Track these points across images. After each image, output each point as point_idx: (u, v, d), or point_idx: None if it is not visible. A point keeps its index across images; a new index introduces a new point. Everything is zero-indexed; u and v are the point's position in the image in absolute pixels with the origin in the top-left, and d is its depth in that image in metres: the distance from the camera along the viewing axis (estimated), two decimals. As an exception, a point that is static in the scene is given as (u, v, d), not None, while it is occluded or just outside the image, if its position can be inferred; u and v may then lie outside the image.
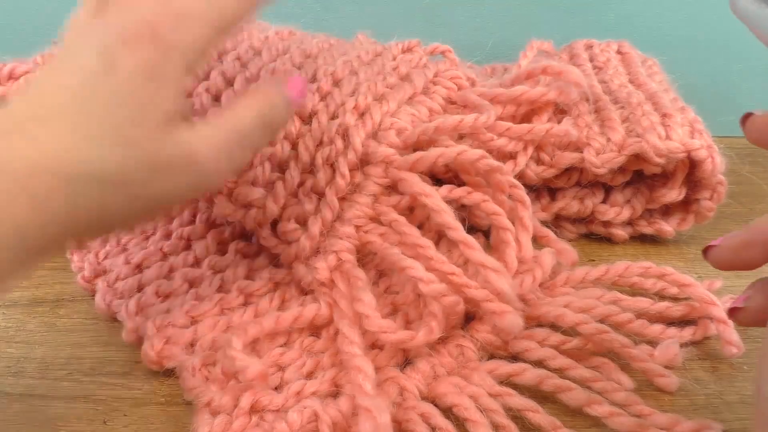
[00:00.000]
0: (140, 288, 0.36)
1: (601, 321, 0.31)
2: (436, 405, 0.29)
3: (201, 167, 0.25)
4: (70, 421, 0.30)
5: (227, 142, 0.26)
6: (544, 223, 0.41)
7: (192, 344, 0.32)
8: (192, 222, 0.40)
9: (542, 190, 0.42)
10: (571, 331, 0.31)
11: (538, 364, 0.30)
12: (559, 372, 0.30)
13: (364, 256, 0.35)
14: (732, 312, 0.24)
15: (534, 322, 0.32)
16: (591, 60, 0.52)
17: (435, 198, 0.33)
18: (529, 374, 0.29)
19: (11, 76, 0.40)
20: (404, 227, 0.33)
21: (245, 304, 0.35)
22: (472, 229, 0.40)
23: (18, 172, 0.22)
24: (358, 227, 0.34)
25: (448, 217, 0.32)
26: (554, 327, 0.32)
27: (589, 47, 0.54)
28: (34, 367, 0.33)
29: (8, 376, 0.32)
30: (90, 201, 0.23)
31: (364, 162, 0.35)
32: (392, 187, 0.35)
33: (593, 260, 0.41)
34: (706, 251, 0.24)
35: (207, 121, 0.27)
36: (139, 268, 0.37)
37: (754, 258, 0.23)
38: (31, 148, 0.22)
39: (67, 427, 0.30)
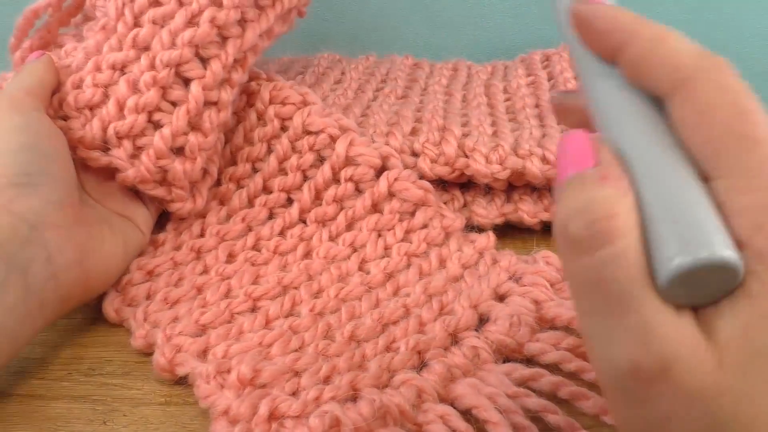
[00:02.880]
0: (149, 296, 0.36)
1: None
2: (454, 407, 0.28)
3: None
4: (70, 421, 0.30)
5: None
6: (545, 223, 0.41)
7: (204, 352, 0.32)
8: (202, 235, 0.40)
9: (544, 191, 0.42)
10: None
11: (553, 366, 0.30)
12: (575, 375, 0.29)
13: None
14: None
15: (547, 324, 0.32)
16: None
17: None
18: (546, 380, 0.29)
19: None
20: None
21: (253, 309, 0.35)
22: (473, 228, 0.41)
23: None
24: None
25: None
26: (568, 330, 0.32)
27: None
28: (34, 367, 0.33)
29: (8, 376, 0.32)
30: None
31: None
32: None
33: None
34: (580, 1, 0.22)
35: None
36: (150, 275, 0.38)
37: (592, 41, 0.21)
38: None
39: (67, 427, 0.30)
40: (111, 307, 0.35)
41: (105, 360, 0.33)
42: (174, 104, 0.38)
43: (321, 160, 0.41)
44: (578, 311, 0.19)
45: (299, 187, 0.41)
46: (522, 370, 0.30)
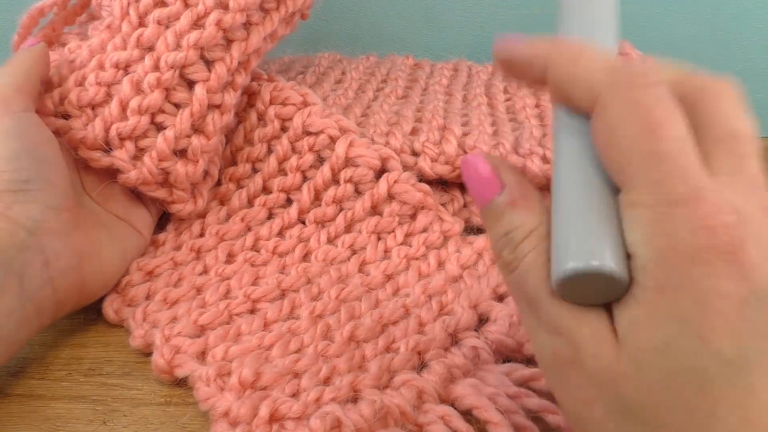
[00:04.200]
0: (149, 296, 0.36)
1: None
2: (454, 407, 0.28)
3: None
4: (70, 421, 0.30)
5: None
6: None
7: (203, 353, 0.32)
8: (201, 235, 0.40)
9: (545, 190, 0.42)
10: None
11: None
12: None
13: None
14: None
15: None
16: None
17: None
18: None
19: None
20: None
21: (252, 310, 0.35)
22: (473, 229, 0.41)
23: None
24: None
25: None
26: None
27: (590, 47, 0.54)
28: (34, 367, 0.33)
29: (8, 376, 0.32)
30: None
31: None
32: None
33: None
34: (498, 42, 0.23)
35: None
36: (150, 275, 0.38)
37: (519, 76, 0.23)
38: None
39: (67, 427, 0.30)
40: (111, 307, 0.36)
41: (105, 360, 0.33)
42: (177, 106, 0.38)
43: (321, 160, 0.41)
44: (518, 313, 0.22)
45: (299, 188, 0.41)
46: (522, 370, 0.30)
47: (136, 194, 0.39)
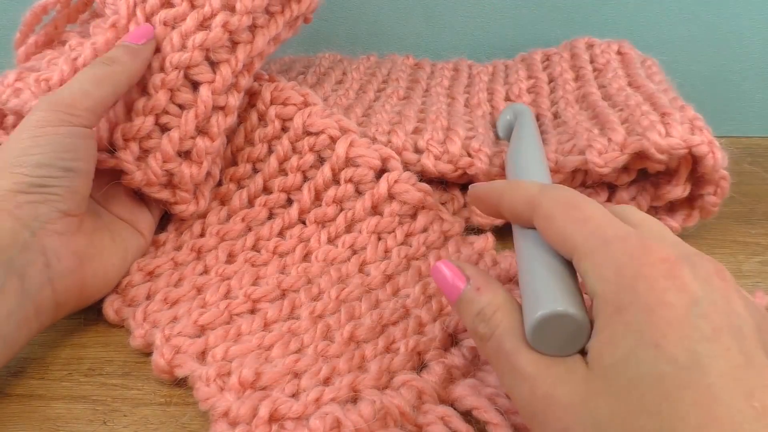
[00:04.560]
0: (149, 296, 0.36)
1: None
2: (454, 408, 0.29)
3: None
4: (70, 421, 0.30)
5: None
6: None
7: (203, 353, 0.32)
8: (202, 235, 0.40)
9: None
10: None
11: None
12: None
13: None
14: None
15: None
16: (591, 61, 0.52)
17: None
18: None
19: None
20: None
21: (252, 310, 0.35)
22: (473, 229, 0.41)
23: None
24: None
25: None
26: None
27: (590, 47, 0.54)
28: (34, 367, 0.33)
29: (8, 376, 0.32)
30: None
31: None
32: None
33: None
34: (470, 188, 0.31)
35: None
36: (151, 275, 0.38)
37: (485, 209, 0.31)
38: None
39: (67, 427, 0.30)
40: (111, 307, 0.36)
41: (105, 360, 0.34)
42: (181, 107, 0.38)
43: (321, 160, 0.41)
44: (498, 376, 0.25)
45: (299, 188, 0.41)
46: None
47: (138, 195, 0.39)
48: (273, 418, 0.28)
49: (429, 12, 0.60)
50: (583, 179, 0.41)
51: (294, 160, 0.41)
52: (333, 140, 0.40)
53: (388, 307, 0.34)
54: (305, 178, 0.41)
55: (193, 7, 0.38)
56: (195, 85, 0.38)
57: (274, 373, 0.30)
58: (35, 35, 0.44)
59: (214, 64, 0.38)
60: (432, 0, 0.60)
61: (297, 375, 0.30)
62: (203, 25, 0.37)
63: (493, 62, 0.58)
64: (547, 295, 0.24)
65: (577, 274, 0.24)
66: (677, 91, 0.46)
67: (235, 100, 0.40)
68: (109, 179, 0.38)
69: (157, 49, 0.37)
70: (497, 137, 0.45)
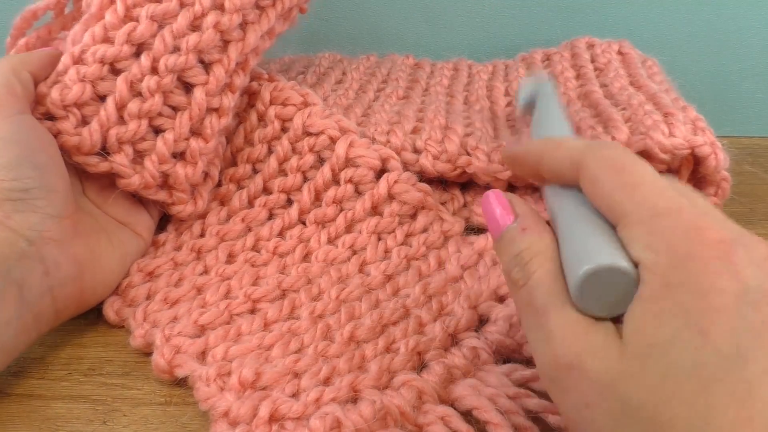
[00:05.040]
0: (149, 296, 0.36)
1: None
2: (454, 408, 0.28)
3: None
4: (70, 421, 0.30)
5: None
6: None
7: (203, 353, 0.32)
8: (202, 236, 0.40)
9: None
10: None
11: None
12: None
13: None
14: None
15: None
16: (592, 61, 0.52)
17: None
18: None
19: None
20: None
21: (252, 310, 0.35)
22: (473, 229, 0.41)
23: None
24: None
25: None
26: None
27: (591, 47, 0.54)
28: (34, 367, 0.33)
29: (8, 376, 0.32)
30: None
31: None
32: None
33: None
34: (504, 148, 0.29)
35: None
36: (150, 276, 0.38)
37: (522, 171, 0.29)
38: None
39: (67, 427, 0.30)
40: (111, 308, 0.36)
41: (105, 360, 0.33)
42: (175, 109, 0.37)
43: (321, 161, 0.41)
44: (524, 329, 0.24)
45: (299, 188, 0.41)
46: (522, 371, 0.30)
47: (136, 197, 0.39)
48: (273, 418, 0.28)
49: (429, 12, 0.60)
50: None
51: (294, 161, 0.41)
52: (333, 141, 0.40)
53: (388, 307, 0.34)
54: (305, 179, 0.41)
55: (182, 4, 0.36)
56: (187, 87, 0.38)
57: (274, 373, 0.30)
58: (25, 38, 0.44)
59: (206, 65, 0.38)
60: (432, 0, 0.60)
61: (297, 375, 0.30)
62: (194, 24, 0.37)
63: (493, 62, 0.58)
64: (599, 249, 0.22)
65: (622, 241, 0.23)
66: (677, 91, 0.46)
67: (229, 101, 0.39)
68: (104, 182, 0.38)
69: (145, 46, 0.36)
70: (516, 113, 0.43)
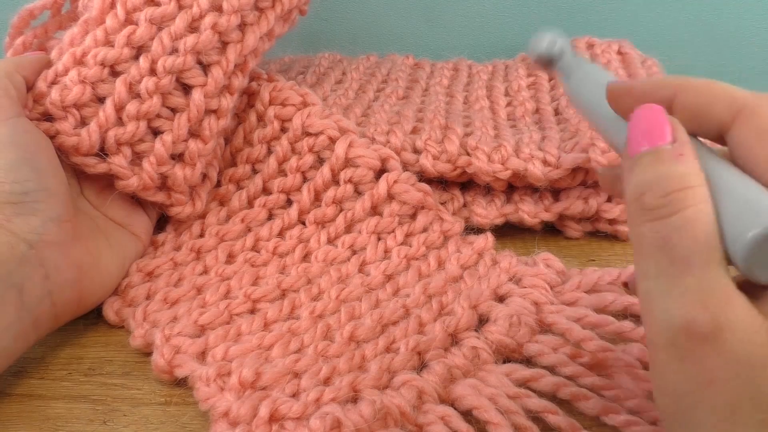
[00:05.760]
0: (149, 296, 0.36)
1: (615, 336, 0.31)
2: (454, 407, 0.28)
3: None
4: (70, 421, 0.30)
5: None
6: (545, 223, 0.41)
7: (203, 353, 0.32)
8: (201, 236, 0.40)
9: (545, 191, 0.42)
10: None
11: (551, 369, 0.30)
12: (572, 379, 0.29)
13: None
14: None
15: (546, 327, 0.32)
16: (592, 61, 0.52)
17: None
18: (546, 380, 0.29)
19: None
20: None
21: (252, 310, 0.35)
22: (473, 229, 0.41)
23: None
24: None
25: None
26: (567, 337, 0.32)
27: (591, 46, 0.54)
28: (34, 367, 0.33)
29: (8, 376, 0.32)
30: None
31: None
32: None
33: (593, 260, 0.41)
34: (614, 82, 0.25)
35: None
36: (150, 276, 0.38)
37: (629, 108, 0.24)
38: None
39: (67, 427, 0.30)
40: (111, 309, 0.36)
41: (105, 360, 0.33)
42: (173, 110, 0.37)
43: (321, 161, 0.41)
44: (640, 273, 0.20)
45: (299, 189, 0.41)
46: (522, 371, 0.30)
47: (134, 198, 0.39)
48: (273, 418, 0.28)
49: (429, 12, 0.60)
50: (583, 178, 0.41)
51: (293, 161, 0.41)
52: (332, 141, 0.40)
53: (388, 307, 0.34)
54: (305, 179, 0.41)
55: (180, 7, 0.37)
56: (186, 88, 0.38)
57: (274, 373, 0.30)
58: (23, 36, 0.44)
59: (205, 67, 0.38)
60: (432, 0, 0.60)
61: (297, 375, 0.30)
62: (192, 26, 0.37)
63: (493, 62, 0.58)
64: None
65: None
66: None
67: (228, 102, 0.39)
68: (102, 183, 0.38)
69: (144, 48, 0.36)
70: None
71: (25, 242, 0.31)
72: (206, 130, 0.39)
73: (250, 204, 0.42)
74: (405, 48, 0.60)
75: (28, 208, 0.31)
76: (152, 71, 0.36)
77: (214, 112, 0.39)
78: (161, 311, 0.35)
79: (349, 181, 0.40)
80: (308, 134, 0.41)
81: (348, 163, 0.40)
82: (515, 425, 0.27)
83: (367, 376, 0.30)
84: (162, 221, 0.41)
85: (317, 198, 0.41)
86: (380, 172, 0.40)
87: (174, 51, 0.36)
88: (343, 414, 0.27)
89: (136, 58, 0.36)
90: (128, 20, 0.36)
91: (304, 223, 0.40)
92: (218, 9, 0.37)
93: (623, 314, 0.32)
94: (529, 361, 0.31)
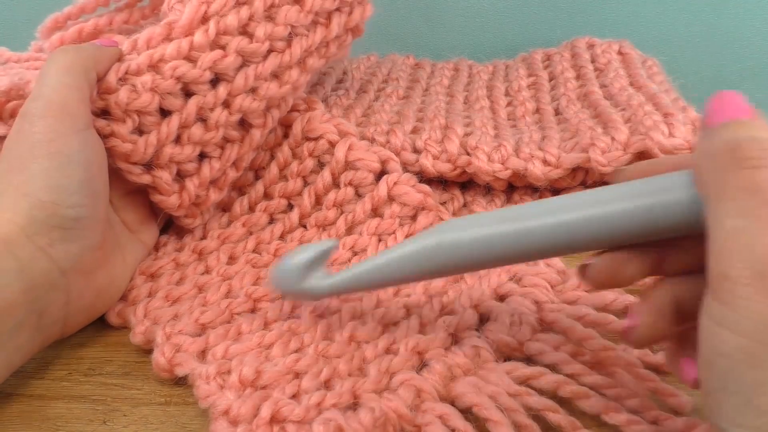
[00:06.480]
0: (151, 293, 0.36)
1: (616, 335, 0.31)
2: (454, 406, 0.28)
3: None
4: (70, 421, 0.30)
5: None
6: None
7: (203, 352, 0.32)
8: (203, 238, 0.40)
9: (545, 191, 0.42)
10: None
11: (552, 367, 0.30)
12: (573, 378, 0.29)
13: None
14: (626, 332, 0.25)
15: (547, 325, 0.32)
16: (593, 61, 0.52)
17: None
18: (547, 378, 0.29)
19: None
20: None
21: (253, 310, 0.35)
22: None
23: None
24: None
25: None
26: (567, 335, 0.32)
27: (591, 47, 0.54)
28: (34, 367, 0.33)
29: (8, 375, 0.32)
30: None
31: None
32: None
33: (594, 260, 0.40)
34: (581, 270, 0.26)
35: None
36: (152, 277, 0.38)
37: (630, 275, 0.25)
38: None
39: (67, 427, 0.30)
40: (113, 311, 0.36)
41: (105, 360, 0.33)
42: (225, 140, 0.38)
43: (321, 165, 0.41)
44: (720, 212, 0.21)
45: (299, 193, 0.41)
46: (523, 369, 0.30)
47: (150, 206, 0.39)
48: (274, 420, 0.28)
49: (429, 12, 0.60)
50: (583, 178, 0.41)
51: (294, 166, 0.41)
52: (332, 145, 0.41)
53: (388, 307, 0.34)
54: (305, 183, 0.41)
55: (272, 50, 0.37)
56: (243, 123, 0.39)
57: (274, 372, 0.30)
58: (79, 25, 0.43)
59: (265, 111, 0.39)
60: (432, 0, 0.60)
61: (297, 375, 0.30)
62: (276, 72, 0.38)
63: (493, 62, 0.58)
64: None
65: None
66: (677, 91, 0.46)
67: (262, 138, 0.41)
68: (128, 187, 0.37)
69: (225, 77, 0.36)
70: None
71: (59, 269, 0.30)
72: (243, 162, 0.40)
73: (251, 209, 0.42)
74: (405, 48, 0.60)
75: (73, 234, 0.31)
76: (227, 104, 0.36)
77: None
78: (162, 308, 0.35)
79: (350, 183, 0.40)
80: (308, 139, 0.41)
81: (348, 166, 0.40)
82: (516, 423, 0.27)
83: (367, 380, 0.29)
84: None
85: (318, 201, 0.41)
86: (380, 174, 0.40)
87: (252, 91, 0.37)
88: (345, 422, 0.27)
89: (212, 82, 0.36)
90: (216, 42, 0.35)
91: (305, 227, 0.40)
92: (302, 65, 0.39)
93: (624, 313, 0.32)
94: (529, 360, 0.31)
